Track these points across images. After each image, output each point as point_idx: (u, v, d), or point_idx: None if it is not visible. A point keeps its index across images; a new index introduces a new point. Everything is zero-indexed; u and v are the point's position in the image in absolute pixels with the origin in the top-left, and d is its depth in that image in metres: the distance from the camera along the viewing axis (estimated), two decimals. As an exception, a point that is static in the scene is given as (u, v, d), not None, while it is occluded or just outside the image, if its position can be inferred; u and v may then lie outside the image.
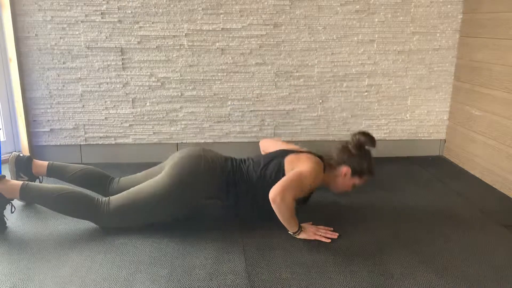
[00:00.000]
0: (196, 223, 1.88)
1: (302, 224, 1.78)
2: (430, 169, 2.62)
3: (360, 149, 1.87)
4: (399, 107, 2.78)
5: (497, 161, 2.33)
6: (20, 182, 1.77)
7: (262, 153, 2.17)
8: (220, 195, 1.86)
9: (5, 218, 1.81)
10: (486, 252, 1.69)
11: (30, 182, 1.80)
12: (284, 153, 1.90)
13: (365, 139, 1.86)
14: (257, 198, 1.82)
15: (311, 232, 1.76)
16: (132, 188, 1.81)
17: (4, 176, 1.77)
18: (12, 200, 1.79)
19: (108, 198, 1.78)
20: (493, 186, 2.36)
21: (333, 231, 1.80)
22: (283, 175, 1.80)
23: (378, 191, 2.27)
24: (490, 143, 2.39)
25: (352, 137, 1.90)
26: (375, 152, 2.80)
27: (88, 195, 1.79)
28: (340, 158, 1.90)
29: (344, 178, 1.89)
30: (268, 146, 2.15)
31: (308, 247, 1.69)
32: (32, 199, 1.80)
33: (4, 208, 1.78)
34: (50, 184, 1.82)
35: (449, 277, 1.51)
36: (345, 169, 1.87)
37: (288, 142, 2.17)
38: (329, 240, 1.73)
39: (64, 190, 1.77)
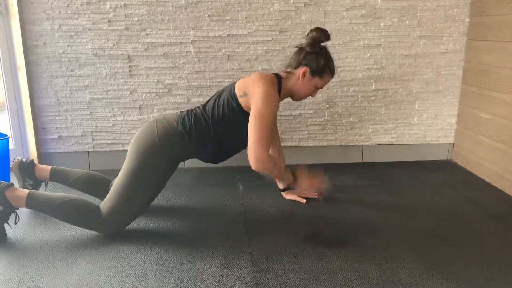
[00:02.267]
0: (203, 230, 1.88)
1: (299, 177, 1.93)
2: (439, 173, 2.60)
3: (314, 46, 1.82)
4: (407, 111, 2.77)
5: (507, 165, 2.31)
6: (27, 191, 1.77)
7: None
8: (187, 147, 1.83)
9: (7, 227, 1.80)
10: (497, 257, 1.66)
11: (36, 191, 1.80)
12: (234, 82, 1.89)
13: (318, 34, 1.83)
14: (219, 132, 1.81)
15: (295, 194, 2.01)
16: (111, 188, 1.82)
17: (13, 184, 1.78)
18: (18, 208, 1.78)
19: (98, 206, 1.78)
20: (503, 190, 2.33)
21: (332, 241, 1.76)
22: (236, 101, 1.78)
23: (387, 196, 2.25)
24: (499, 147, 2.37)
25: (306, 36, 1.86)
26: (383, 157, 2.81)
27: (91, 203, 1.79)
28: (296, 60, 1.85)
29: (303, 80, 1.83)
30: None
31: (317, 253, 1.68)
32: (37, 208, 1.79)
33: (8, 218, 1.78)
34: (55, 193, 1.82)
35: (459, 284, 1.49)
36: (303, 70, 1.82)
37: None
38: (304, 200, 1.93)
39: (66, 198, 1.77)
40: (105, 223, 1.76)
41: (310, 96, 1.98)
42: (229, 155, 1.95)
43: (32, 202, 1.76)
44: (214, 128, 1.82)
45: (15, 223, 1.82)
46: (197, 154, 1.90)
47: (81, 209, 1.76)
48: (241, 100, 1.79)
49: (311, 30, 1.87)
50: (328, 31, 1.88)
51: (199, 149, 1.86)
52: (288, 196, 2.14)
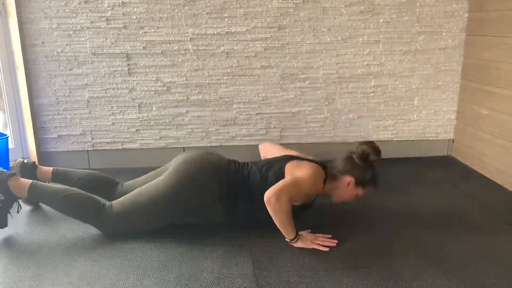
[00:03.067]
0: (203, 227, 1.88)
1: (300, 232, 1.74)
2: (439, 169, 2.60)
3: (364, 160, 1.83)
4: (406, 108, 2.76)
5: (507, 161, 2.31)
6: (30, 181, 1.79)
7: (262, 157, 2.16)
8: (222, 196, 1.82)
9: (9, 215, 1.81)
10: (497, 253, 1.67)
11: (39, 182, 1.81)
12: (287, 158, 1.88)
13: (370, 150, 1.83)
14: (257, 202, 1.77)
15: (309, 241, 1.71)
16: (133, 191, 1.81)
17: (15, 174, 1.79)
18: (20, 198, 1.81)
19: (110, 203, 1.78)
20: (503, 185, 2.33)
21: (333, 237, 1.76)
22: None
23: (386, 192, 2.25)
24: (499, 142, 2.36)
25: (357, 147, 1.86)
26: (383, 153, 2.79)
27: (95, 198, 1.80)
28: (343, 167, 1.86)
29: (347, 188, 1.84)
30: (268, 151, 2.13)
31: (316, 250, 1.68)
32: (39, 199, 1.81)
33: (11, 207, 1.80)
34: (59, 185, 1.84)
35: (459, 279, 1.49)
36: (348, 179, 1.83)
37: (287, 147, 2.14)
38: (327, 249, 1.69)
39: (71, 191, 1.78)
40: (110, 221, 1.75)
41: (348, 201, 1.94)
42: (248, 222, 1.89)
43: (34, 192, 1.77)
44: (254, 200, 1.79)
45: (17, 212, 1.84)
46: (224, 211, 1.84)
47: (85, 203, 1.76)
48: None
49: (364, 143, 1.86)
50: (378, 147, 1.85)
51: (229, 207, 1.82)
52: (300, 244, 1.75)
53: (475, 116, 2.58)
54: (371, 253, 1.66)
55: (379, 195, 2.21)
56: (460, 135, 2.76)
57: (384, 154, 2.80)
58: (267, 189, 1.70)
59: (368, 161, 1.84)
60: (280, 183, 1.69)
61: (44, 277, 1.51)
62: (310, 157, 1.95)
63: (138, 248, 1.70)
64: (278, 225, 1.69)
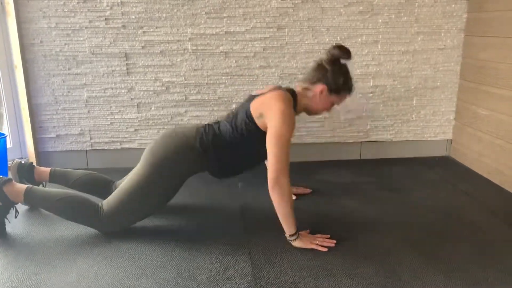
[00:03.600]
0: (202, 227, 1.88)
1: (299, 232, 1.72)
2: (437, 169, 2.60)
3: (334, 64, 1.78)
4: (405, 108, 2.76)
5: (505, 161, 2.31)
6: (25, 186, 1.78)
7: None
8: (202, 164, 1.82)
9: (6, 222, 1.81)
10: (495, 253, 1.67)
11: (34, 186, 1.81)
12: (249, 99, 1.85)
13: (339, 52, 1.78)
14: (236, 151, 1.79)
15: (307, 241, 1.69)
16: (118, 188, 1.81)
17: (11, 179, 1.79)
18: (17, 203, 1.80)
19: (101, 203, 1.77)
20: (502, 186, 2.34)
21: (331, 238, 1.74)
22: (253, 123, 1.75)
23: (385, 192, 2.25)
24: (498, 143, 2.37)
25: (326, 52, 1.81)
26: (381, 154, 2.81)
27: (90, 200, 1.79)
28: (314, 76, 1.81)
29: (320, 96, 1.80)
30: None
31: (315, 251, 1.68)
32: (36, 203, 1.80)
33: (8, 212, 1.79)
34: (54, 189, 1.83)
35: (457, 279, 1.49)
36: (321, 87, 1.79)
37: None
38: (325, 249, 1.67)
39: (66, 194, 1.78)
40: (104, 221, 1.75)
41: (326, 112, 1.93)
42: (242, 172, 1.93)
43: (30, 197, 1.76)
44: (232, 149, 1.80)
45: (15, 217, 1.83)
46: (212, 172, 1.89)
47: (80, 205, 1.76)
48: (258, 122, 1.75)
49: (332, 47, 1.80)
50: (349, 49, 1.81)
51: (214, 167, 1.85)
52: (299, 244, 1.72)
53: (474, 116, 2.58)
54: (369, 254, 1.66)
55: (377, 194, 2.21)
56: (459, 136, 2.76)
57: (383, 154, 2.83)
58: (239, 137, 1.74)
59: (338, 64, 1.79)
60: (272, 162, 1.64)
61: (42, 276, 1.51)
62: (269, 87, 1.90)
63: (136, 247, 1.70)
64: (281, 217, 1.68)
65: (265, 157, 1.77)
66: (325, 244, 1.70)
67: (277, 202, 1.65)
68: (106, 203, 1.77)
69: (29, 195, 1.77)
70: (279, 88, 1.86)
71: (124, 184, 1.79)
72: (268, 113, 1.71)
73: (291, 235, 1.69)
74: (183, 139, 1.81)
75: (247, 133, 1.77)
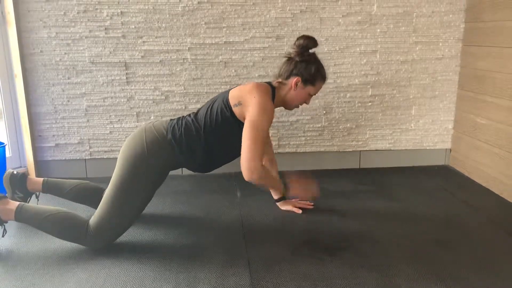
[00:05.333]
0: (201, 237, 1.87)
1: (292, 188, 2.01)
2: (436, 178, 2.60)
3: (303, 54, 1.80)
4: (403, 117, 2.77)
5: (504, 170, 2.31)
6: (17, 204, 1.72)
7: None
8: (176, 157, 1.79)
9: None
10: (495, 262, 1.66)
11: (26, 204, 1.75)
12: (227, 90, 1.86)
13: (305, 41, 1.80)
14: (211, 141, 1.78)
15: (291, 204, 2.07)
16: (100, 202, 1.77)
17: (6, 197, 1.74)
18: (7, 222, 1.74)
19: (88, 221, 1.73)
20: (500, 195, 2.34)
21: (330, 247, 1.75)
22: (229, 111, 1.75)
23: (384, 201, 2.25)
24: (496, 152, 2.37)
25: (293, 45, 1.83)
26: (380, 162, 2.81)
27: (79, 217, 1.74)
28: (286, 70, 1.83)
29: (296, 89, 1.82)
30: None
31: (314, 260, 1.67)
32: (26, 221, 1.73)
33: None
34: (45, 206, 1.77)
35: (457, 289, 1.49)
36: (294, 80, 1.81)
37: None
38: (300, 211, 2.02)
39: (54, 211, 1.72)
40: (93, 237, 1.71)
41: (305, 104, 1.96)
42: (219, 165, 1.92)
43: (21, 216, 1.71)
44: (205, 137, 1.79)
45: (2, 236, 1.77)
46: (187, 164, 1.87)
47: (68, 222, 1.71)
48: (235, 110, 1.77)
49: (298, 38, 1.84)
50: (316, 37, 1.86)
51: (188, 159, 1.82)
52: (283, 207, 2.12)
53: (472, 125, 2.59)
54: (368, 263, 1.66)
55: (376, 204, 2.21)
56: (457, 145, 2.77)
57: (382, 163, 2.83)
58: (215, 124, 1.76)
59: (307, 54, 1.81)
60: (245, 150, 1.69)
61: (40, 286, 1.50)
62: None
63: (135, 258, 1.69)
64: (269, 188, 1.94)
65: (239, 148, 1.77)
66: (302, 206, 2.05)
67: (261, 184, 1.79)
68: (92, 219, 1.73)
69: (20, 214, 1.70)
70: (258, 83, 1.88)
71: (105, 194, 1.76)
72: (247, 102, 1.74)
73: (277, 200, 2.07)
74: (154, 133, 1.79)
75: (222, 120, 1.77)
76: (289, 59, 1.85)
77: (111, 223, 1.72)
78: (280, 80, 1.86)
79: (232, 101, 1.77)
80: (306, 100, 1.91)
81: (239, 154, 1.81)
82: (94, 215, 1.74)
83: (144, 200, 1.81)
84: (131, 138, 1.81)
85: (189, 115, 1.88)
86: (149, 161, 1.75)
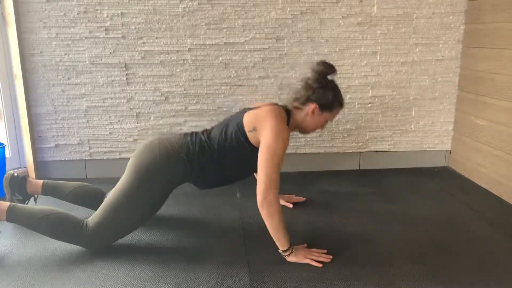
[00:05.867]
0: (201, 238, 1.87)
1: (294, 246, 1.70)
2: (436, 180, 2.60)
3: (321, 81, 1.76)
4: (403, 118, 2.77)
5: (504, 171, 2.31)
6: (7, 204, 1.71)
7: None
8: (186, 174, 1.78)
9: None
10: (494, 264, 1.66)
11: (17, 204, 1.73)
12: (242, 111, 1.83)
13: (324, 68, 1.76)
14: (223, 163, 1.76)
15: (302, 255, 1.66)
16: (102, 203, 1.76)
17: None
18: None
19: (86, 220, 1.72)
20: (500, 196, 2.33)
21: (329, 249, 1.73)
22: (244, 136, 1.74)
23: (384, 203, 2.25)
24: (496, 153, 2.37)
25: (311, 70, 1.79)
26: (380, 164, 2.81)
27: (74, 217, 1.73)
28: (304, 96, 1.79)
29: (313, 116, 1.79)
30: None
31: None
32: (19, 221, 1.71)
33: None
34: (38, 206, 1.76)
35: (457, 291, 1.49)
36: (312, 106, 1.77)
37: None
38: (321, 265, 1.63)
39: (49, 211, 1.71)
40: (90, 238, 1.70)
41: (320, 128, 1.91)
42: (227, 184, 1.91)
43: (12, 216, 1.69)
44: (218, 160, 1.77)
45: None
46: (195, 182, 1.86)
47: (64, 222, 1.70)
48: (250, 135, 1.74)
49: (317, 64, 1.79)
50: (331, 63, 1.82)
51: (198, 178, 1.82)
52: (289, 259, 1.71)
53: (472, 127, 2.59)
54: (368, 264, 1.65)
55: (376, 205, 2.21)
56: (457, 146, 2.77)
57: (382, 165, 2.83)
58: (229, 147, 1.70)
59: (325, 81, 1.77)
60: (262, 179, 1.62)
61: (40, 287, 1.50)
62: (264, 103, 1.89)
63: (134, 258, 1.69)
64: (272, 233, 1.64)
65: (250, 171, 1.77)
66: (320, 259, 1.67)
67: (267, 219, 1.63)
68: (91, 219, 1.72)
69: (11, 214, 1.69)
70: (274, 104, 1.85)
71: (108, 198, 1.74)
72: (262, 128, 1.70)
73: (284, 251, 1.67)
74: (168, 147, 1.77)
75: (236, 145, 1.76)
76: (307, 84, 1.80)
77: (110, 226, 1.71)
78: (296, 104, 1.82)
79: (247, 127, 1.74)
80: (321, 126, 1.87)
81: (248, 176, 1.83)
82: (93, 215, 1.73)
83: (148, 212, 1.79)
84: (144, 148, 1.79)
85: (202, 133, 1.85)
86: (160, 175, 1.74)
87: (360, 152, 2.80)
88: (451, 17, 2.64)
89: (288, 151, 2.72)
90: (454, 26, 2.65)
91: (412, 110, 2.76)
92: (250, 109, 1.83)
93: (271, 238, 1.71)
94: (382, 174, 2.72)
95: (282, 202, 2.14)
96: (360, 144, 2.79)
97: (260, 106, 1.81)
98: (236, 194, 2.36)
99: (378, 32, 2.62)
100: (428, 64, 2.70)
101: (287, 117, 1.79)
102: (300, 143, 2.74)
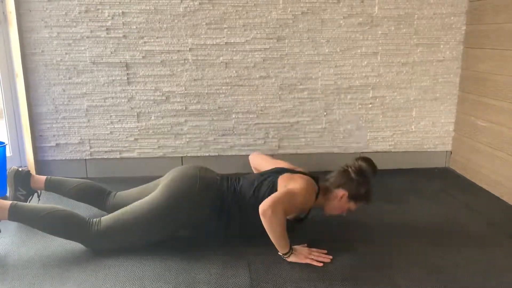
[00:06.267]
0: (201, 238, 1.87)
1: (294, 246, 1.70)
2: (437, 181, 2.60)
3: (360, 175, 1.83)
4: (404, 119, 2.77)
5: (504, 172, 2.31)
6: (9, 202, 1.70)
7: (253, 169, 2.16)
8: (212, 216, 1.80)
9: None
10: (495, 265, 1.66)
11: (19, 202, 1.73)
12: (279, 171, 1.87)
13: (366, 166, 1.83)
14: (249, 217, 1.75)
15: (302, 255, 1.68)
16: (123, 208, 1.76)
17: None
18: (0, 221, 1.72)
19: (99, 218, 1.73)
20: (501, 198, 2.33)
21: (330, 250, 1.73)
22: None
23: (384, 203, 2.25)
24: (497, 154, 2.37)
25: (354, 161, 1.86)
26: (381, 164, 2.80)
27: (78, 215, 1.73)
28: (338, 181, 1.85)
29: (340, 201, 1.83)
30: (258, 162, 2.13)
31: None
32: (21, 219, 1.71)
33: None
34: (39, 204, 1.75)
35: (457, 292, 1.49)
36: (342, 193, 1.82)
37: (276, 159, 2.12)
38: (321, 264, 1.65)
39: (53, 209, 1.71)
40: (97, 238, 1.70)
41: (341, 213, 1.92)
42: (247, 234, 1.87)
43: (15, 214, 1.68)
44: (247, 215, 1.78)
45: None
46: (215, 227, 1.83)
47: (68, 220, 1.70)
48: None
49: (361, 159, 1.86)
50: (375, 164, 1.86)
51: (220, 225, 1.81)
52: (290, 259, 1.73)
53: (473, 128, 2.59)
54: (369, 265, 1.65)
55: (376, 206, 2.21)
56: (458, 147, 2.77)
57: (382, 165, 2.81)
58: (260, 203, 1.66)
59: (363, 176, 1.83)
60: (275, 195, 1.67)
61: (40, 286, 1.50)
62: (301, 169, 1.94)
63: (134, 258, 1.69)
64: (272, 238, 1.65)
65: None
66: (320, 259, 1.68)
67: (268, 224, 1.63)
68: (106, 220, 1.72)
69: (13, 212, 1.68)
70: (310, 175, 1.87)
71: (132, 206, 1.75)
72: (293, 185, 1.74)
73: (284, 254, 1.68)
74: (207, 186, 1.79)
75: None
76: (345, 172, 1.85)
77: (122, 233, 1.72)
78: (328, 185, 1.87)
79: (280, 186, 1.77)
80: (343, 211, 1.90)
81: None
82: (110, 216, 1.73)
83: (166, 233, 1.80)
84: (184, 177, 1.80)
85: (236, 181, 1.86)
86: (190, 208, 1.76)
87: (360, 152, 2.80)
88: (452, 18, 2.64)
89: (289, 151, 2.73)
90: (455, 26, 2.65)
91: (413, 111, 2.76)
92: (285, 170, 1.86)
93: (270, 240, 1.70)
94: (382, 174, 2.70)
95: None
96: (360, 144, 2.78)
97: (296, 172, 1.86)
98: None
99: (379, 32, 2.62)
100: (429, 64, 2.70)
101: (317, 191, 1.83)
102: (300, 143, 2.74)
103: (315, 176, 1.88)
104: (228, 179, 1.88)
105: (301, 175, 1.83)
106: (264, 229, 1.65)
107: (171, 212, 1.74)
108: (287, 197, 1.68)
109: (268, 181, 1.82)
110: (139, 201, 1.78)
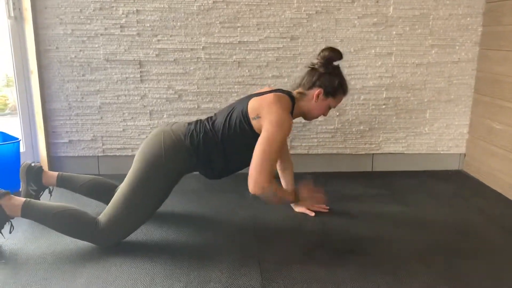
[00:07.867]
0: (212, 236, 1.87)
1: (300, 197, 1.98)
2: (450, 183, 2.57)
3: (327, 66, 1.79)
4: (418, 121, 2.74)
5: (520, 176, 2.27)
6: (23, 199, 1.71)
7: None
8: (193, 163, 1.79)
9: (1, 236, 1.76)
10: (509, 270, 1.63)
11: (32, 200, 1.74)
12: (247, 98, 1.83)
13: (330, 54, 1.79)
14: (228, 151, 1.77)
15: (305, 206, 2.05)
16: (112, 199, 1.77)
17: (9, 193, 1.71)
18: (13, 218, 1.72)
19: (98, 217, 1.73)
20: (516, 201, 2.30)
21: (341, 252, 1.73)
22: (248, 123, 1.74)
23: (396, 205, 2.23)
24: (512, 158, 2.33)
25: (317, 56, 1.83)
26: (393, 166, 2.78)
27: (87, 214, 1.73)
28: (309, 81, 1.82)
29: (317, 100, 1.80)
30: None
31: (325, 263, 1.66)
32: (33, 217, 1.72)
33: (2, 227, 1.71)
34: (52, 203, 1.77)
35: (471, 296, 1.46)
36: (316, 91, 1.79)
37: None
38: (313, 213, 2.01)
39: (62, 208, 1.71)
40: (102, 235, 1.70)
41: (323, 116, 1.94)
42: (234, 172, 1.91)
43: (27, 212, 1.69)
44: (223, 147, 1.78)
45: (10, 232, 1.76)
46: (202, 170, 1.86)
47: (77, 220, 1.70)
48: (254, 123, 1.74)
49: (323, 50, 1.83)
50: (340, 50, 1.84)
51: (205, 165, 1.82)
52: (297, 208, 2.11)
53: (488, 130, 2.55)
54: (379, 267, 1.64)
55: (388, 208, 2.19)
56: (472, 150, 2.73)
57: (395, 167, 2.80)
58: (234, 135, 1.72)
59: (332, 66, 1.80)
60: (254, 164, 1.66)
61: (52, 282, 1.51)
62: (270, 88, 1.90)
63: (146, 255, 1.69)
64: (276, 204, 1.83)
65: None
66: (315, 208, 2.05)
67: (265, 200, 1.75)
68: (102, 216, 1.73)
69: (26, 209, 1.69)
70: (278, 90, 1.85)
71: (117, 193, 1.76)
72: (265, 117, 1.71)
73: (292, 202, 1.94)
74: (172, 137, 1.78)
75: (240, 131, 1.76)
76: (313, 69, 1.83)
77: (122, 221, 1.72)
78: (301, 90, 1.85)
79: (251, 114, 1.75)
80: (325, 112, 1.90)
81: None
82: (104, 212, 1.74)
83: (157, 201, 1.81)
84: (149, 140, 1.81)
85: (207, 120, 1.86)
86: (166, 165, 1.75)
87: (373, 153, 2.78)
88: (468, 19, 2.60)
89: (300, 151, 2.71)
90: (472, 28, 2.62)
91: (427, 112, 2.73)
92: (255, 95, 1.84)
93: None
94: (395, 176, 2.70)
95: (303, 210, 2.10)
96: (373, 145, 2.76)
97: (265, 92, 1.82)
98: (248, 193, 2.35)
99: (394, 33, 2.60)
100: (444, 66, 2.66)
101: (291, 103, 1.81)
102: (312, 144, 2.73)
103: (287, 91, 1.86)
104: (198, 121, 1.86)
105: (270, 95, 1.77)
106: (249, 159, 1.70)
107: (151, 178, 1.73)
108: (267, 154, 1.65)
109: (237, 110, 1.79)
110: (120, 185, 1.78)
